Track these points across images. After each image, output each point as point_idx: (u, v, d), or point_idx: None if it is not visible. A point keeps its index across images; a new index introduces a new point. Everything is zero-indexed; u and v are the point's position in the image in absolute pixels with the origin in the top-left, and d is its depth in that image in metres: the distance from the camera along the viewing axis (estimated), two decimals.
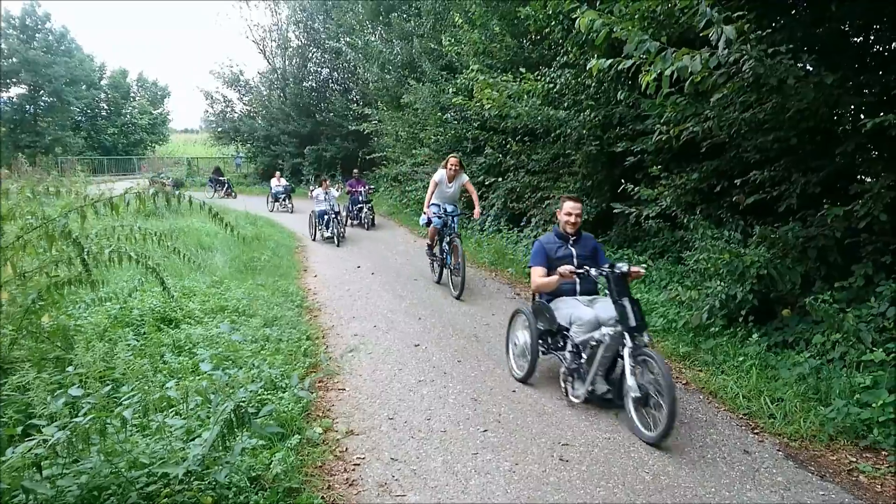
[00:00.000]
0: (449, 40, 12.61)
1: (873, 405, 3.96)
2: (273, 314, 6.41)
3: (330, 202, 13.04)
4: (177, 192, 3.29)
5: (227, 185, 25.75)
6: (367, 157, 22.23)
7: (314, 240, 13.19)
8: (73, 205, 3.15)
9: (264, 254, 10.36)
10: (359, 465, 3.68)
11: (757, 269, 5.22)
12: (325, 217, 12.93)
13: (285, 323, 6.24)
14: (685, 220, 6.36)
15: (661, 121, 6.43)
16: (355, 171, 17.32)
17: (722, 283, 5.55)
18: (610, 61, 4.60)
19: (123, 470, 2.75)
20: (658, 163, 7.02)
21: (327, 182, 13.88)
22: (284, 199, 20.19)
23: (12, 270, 3.23)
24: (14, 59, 38.64)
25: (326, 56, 28.72)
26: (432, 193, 8.33)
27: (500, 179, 12.21)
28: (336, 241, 12.53)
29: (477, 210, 8.43)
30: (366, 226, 14.99)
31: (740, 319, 5.48)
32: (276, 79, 30.54)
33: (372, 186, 18.03)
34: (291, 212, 19.56)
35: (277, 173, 22.26)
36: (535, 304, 4.95)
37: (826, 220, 5.06)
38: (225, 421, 2.57)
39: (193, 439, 3.12)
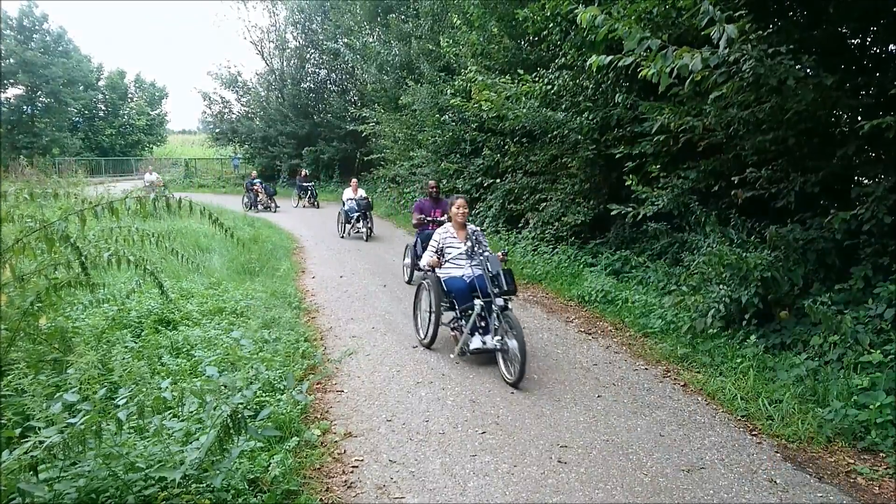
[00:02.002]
0: (447, 41, 12.65)
1: (871, 407, 3.97)
2: (271, 316, 6.40)
3: (481, 254, 5.51)
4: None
5: (310, 193, 21.63)
6: (365, 159, 22.26)
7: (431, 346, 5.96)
8: (73, 208, 3.14)
9: (262, 255, 10.35)
10: (357, 467, 3.67)
11: (761, 271, 5.22)
12: (478, 311, 5.31)
13: (283, 324, 6.23)
14: (697, 213, 6.34)
15: (661, 117, 6.42)
16: (431, 183, 9.54)
17: (726, 287, 5.55)
18: (610, 58, 4.60)
19: (121, 473, 2.74)
20: (656, 164, 7.02)
21: (464, 206, 6.07)
22: (358, 220, 13.70)
23: (11, 273, 3.23)
24: (11, 60, 38.62)
25: (324, 57, 28.76)
26: None
27: (497, 181, 12.23)
28: (514, 374, 4.92)
29: None
30: None
31: (743, 322, 5.48)
32: (273, 80, 30.59)
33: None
34: (367, 238, 13.49)
35: (354, 181, 15.28)
36: None
37: (831, 223, 5.06)
38: (221, 425, 2.56)
39: (191, 442, 3.11)
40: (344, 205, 14.27)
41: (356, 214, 13.65)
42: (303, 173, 23.27)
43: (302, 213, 19.78)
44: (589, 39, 6.64)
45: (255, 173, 23.43)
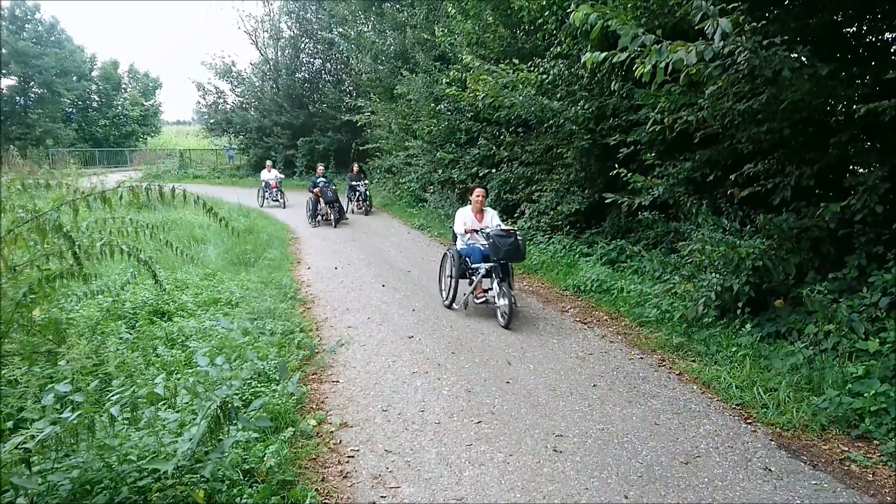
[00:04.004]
0: (442, 31, 12.58)
1: (865, 395, 3.99)
2: (266, 306, 6.39)
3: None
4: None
5: (360, 195, 16.29)
6: (361, 149, 22.16)
7: None
8: (65, 198, 3.11)
9: (257, 246, 10.31)
10: (353, 457, 3.68)
11: (752, 260, 5.22)
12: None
13: (278, 315, 6.22)
14: (687, 205, 6.33)
15: (655, 111, 6.41)
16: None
17: (718, 275, 5.56)
18: (604, 54, 4.57)
19: (115, 464, 2.73)
20: (651, 153, 7.01)
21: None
22: (489, 274, 6.56)
23: (3, 264, 3.20)
24: (3, 51, 38.24)
25: (319, 47, 28.57)
26: None
27: (493, 171, 12.20)
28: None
29: None
30: None
31: (737, 311, 5.49)
32: (268, 70, 30.37)
33: None
34: (507, 320, 6.19)
35: (480, 192, 7.13)
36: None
37: (823, 213, 5.06)
38: (211, 416, 2.55)
39: (184, 433, 3.10)
40: (456, 239, 7.23)
41: (484, 267, 6.62)
42: (354, 168, 17.12)
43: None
44: (584, 30, 6.61)
45: (321, 168, 16.52)
